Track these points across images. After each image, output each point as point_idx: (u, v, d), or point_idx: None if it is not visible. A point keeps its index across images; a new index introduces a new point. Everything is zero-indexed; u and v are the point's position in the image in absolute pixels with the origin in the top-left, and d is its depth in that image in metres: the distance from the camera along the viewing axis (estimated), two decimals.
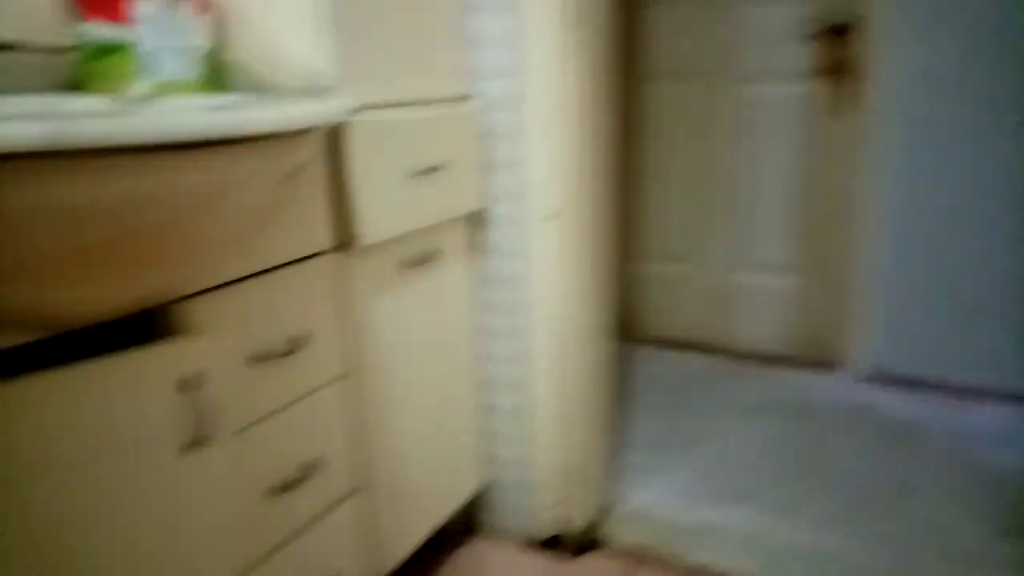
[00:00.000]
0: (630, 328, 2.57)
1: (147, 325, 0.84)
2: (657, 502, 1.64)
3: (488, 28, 1.28)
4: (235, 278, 0.90)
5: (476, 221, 1.38)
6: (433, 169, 1.18)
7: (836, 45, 2.07)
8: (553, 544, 1.51)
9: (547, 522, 1.49)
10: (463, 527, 1.58)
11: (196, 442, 0.82)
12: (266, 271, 0.94)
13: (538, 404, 1.43)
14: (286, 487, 1.00)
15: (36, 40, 0.99)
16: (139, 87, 0.89)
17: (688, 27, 2.29)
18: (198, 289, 0.85)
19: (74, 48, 1.02)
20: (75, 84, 1.02)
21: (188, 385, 0.80)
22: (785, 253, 2.31)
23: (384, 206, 1.08)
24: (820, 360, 2.33)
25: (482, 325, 1.44)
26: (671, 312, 2.52)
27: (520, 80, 1.28)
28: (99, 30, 0.89)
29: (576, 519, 1.49)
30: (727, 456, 1.83)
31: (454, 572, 1.46)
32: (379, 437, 1.18)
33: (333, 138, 1.00)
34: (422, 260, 1.24)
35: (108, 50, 0.89)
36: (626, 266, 2.55)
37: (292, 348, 0.98)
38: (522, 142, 1.30)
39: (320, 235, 1.01)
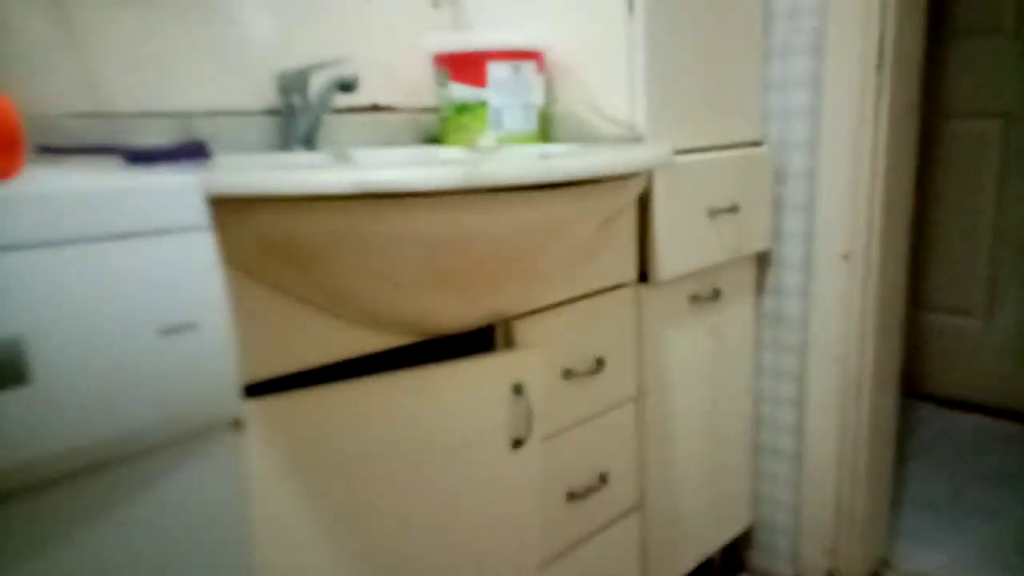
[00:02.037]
0: (914, 382, 2.42)
1: (483, 337, 0.99)
2: (938, 568, 1.54)
3: (787, 73, 1.33)
4: (556, 302, 1.03)
5: (763, 260, 1.42)
6: (726, 210, 1.25)
7: None
8: None
9: (817, 570, 1.47)
10: (729, 564, 1.60)
11: (519, 442, 0.95)
12: (580, 298, 1.06)
13: (814, 449, 1.42)
14: (580, 494, 1.11)
15: (406, 103, 1.21)
16: (487, 138, 1.06)
17: (997, 60, 2.15)
18: (528, 310, 0.99)
19: (433, 108, 1.23)
20: (431, 137, 1.23)
21: (518, 390, 0.94)
22: None
23: (680, 244, 1.17)
24: None
25: (762, 364, 1.46)
26: (960, 368, 2.34)
27: (817, 122, 1.31)
28: (461, 91, 1.07)
29: (848, 572, 1.45)
30: (1022, 529, 1.67)
31: None
32: (658, 461, 1.25)
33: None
34: (710, 296, 1.30)
35: (466, 108, 1.08)
36: (913, 315, 2.41)
37: (596, 368, 1.10)
38: (815, 183, 1.33)
39: (626, 269, 1.12)
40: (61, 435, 0.40)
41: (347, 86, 0.96)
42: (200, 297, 0.45)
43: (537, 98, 1.11)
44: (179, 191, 0.46)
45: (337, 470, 0.79)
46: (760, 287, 1.43)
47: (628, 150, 0.89)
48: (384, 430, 0.82)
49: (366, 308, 0.77)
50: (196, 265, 0.45)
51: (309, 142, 1.02)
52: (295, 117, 1.02)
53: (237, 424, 0.48)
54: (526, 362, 0.94)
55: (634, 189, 0.96)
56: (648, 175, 1.10)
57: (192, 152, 0.84)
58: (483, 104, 1.07)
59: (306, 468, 0.77)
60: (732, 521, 1.46)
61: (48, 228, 0.41)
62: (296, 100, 1.02)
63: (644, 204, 1.12)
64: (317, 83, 1.03)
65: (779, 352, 1.43)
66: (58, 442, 0.40)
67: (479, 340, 0.98)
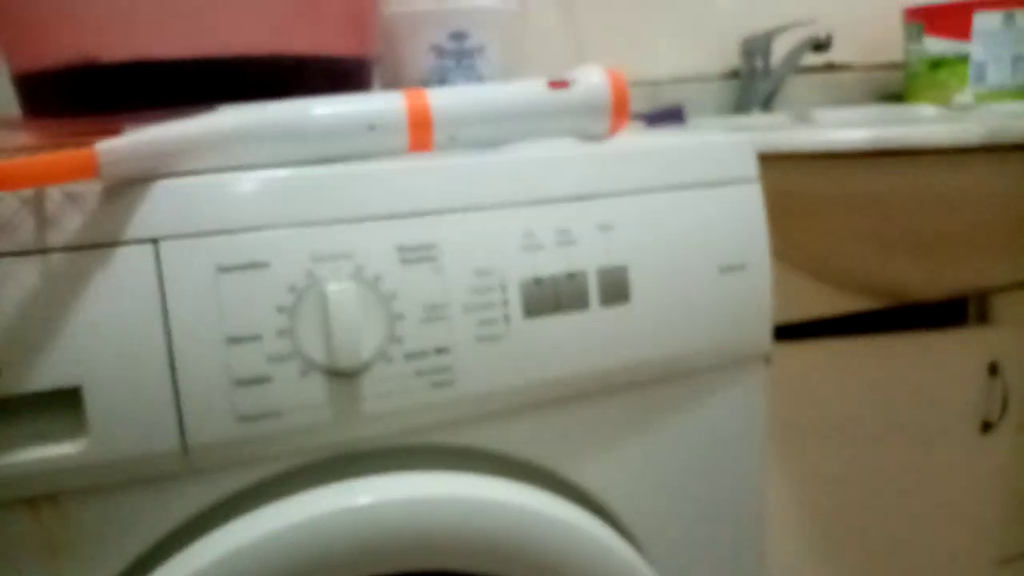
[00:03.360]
0: None
1: (951, 311, 0.93)
2: None
3: None
4: None
5: None
6: None
7: None
8: None
9: None
10: None
11: (988, 426, 0.88)
12: None
13: None
14: None
15: (862, 61, 1.16)
16: (966, 96, 0.98)
17: None
18: (1006, 284, 0.90)
19: (891, 65, 1.16)
20: (887, 95, 1.17)
21: (993, 371, 0.86)
22: None
23: None
24: None
25: None
26: None
27: None
28: (937, 45, 1.00)
29: None
30: None
31: None
32: None
33: None
34: None
35: (942, 63, 1.00)
36: None
37: None
38: None
39: None
40: (648, 347, 0.47)
41: (821, 46, 0.96)
42: (749, 242, 0.50)
43: None
44: (736, 148, 0.51)
45: (797, 427, 0.81)
46: None
47: None
48: (848, 396, 0.82)
49: (843, 268, 0.77)
50: (748, 213, 0.50)
51: (767, 104, 1.04)
52: (756, 80, 1.04)
53: (767, 360, 0.52)
54: (1005, 340, 0.86)
55: None
56: None
57: (673, 116, 0.91)
58: (964, 58, 0.98)
59: (774, 422, 0.80)
60: None
61: (644, 177, 0.48)
62: (759, 63, 1.04)
63: None
64: (781, 45, 1.04)
65: None
66: (646, 352, 0.47)
67: (947, 313, 0.91)
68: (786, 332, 0.79)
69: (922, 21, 1.02)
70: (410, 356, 0.43)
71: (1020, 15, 0.96)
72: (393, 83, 0.76)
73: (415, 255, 0.43)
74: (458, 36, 0.73)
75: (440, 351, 0.44)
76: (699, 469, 0.52)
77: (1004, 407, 0.87)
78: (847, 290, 0.81)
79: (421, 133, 0.46)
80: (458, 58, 0.73)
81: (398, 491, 0.46)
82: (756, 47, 1.02)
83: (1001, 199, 0.71)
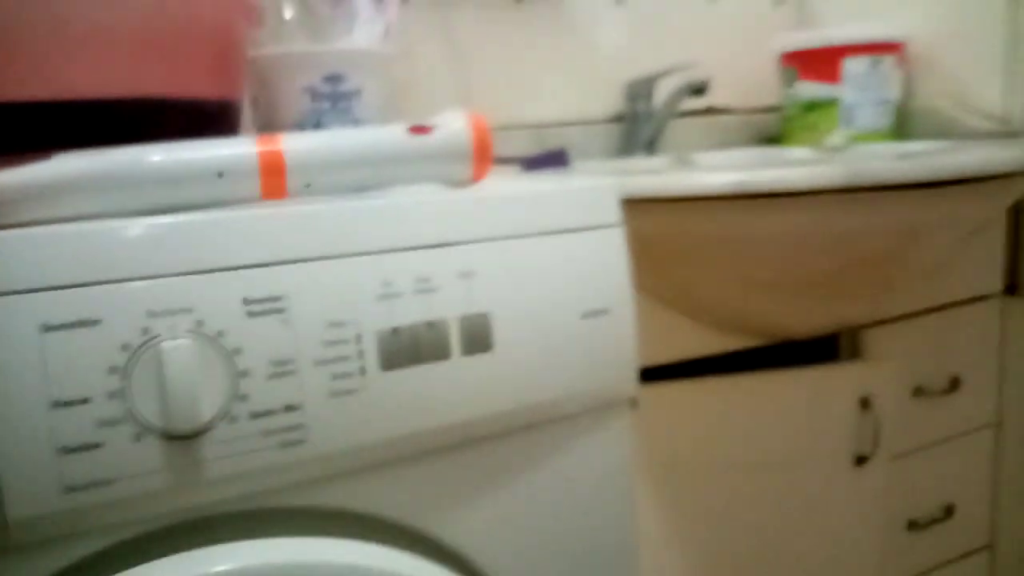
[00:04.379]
0: None
1: (825, 347, 0.96)
2: None
3: None
4: (908, 313, 0.97)
5: None
6: None
7: None
8: None
9: None
10: None
11: (862, 459, 0.90)
12: (935, 309, 0.98)
13: None
14: (922, 524, 1.02)
15: (741, 104, 1.21)
16: (836, 137, 1.03)
17: None
18: (877, 319, 0.94)
19: (769, 108, 1.21)
20: (765, 138, 1.22)
21: (865, 405, 0.89)
22: None
23: None
24: None
25: None
26: None
27: None
28: (810, 89, 1.05)
29: None
30: None
31: None
32: (1010, 496, 1.12)
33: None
34: None
35: (815, 106, 1.05)
36: None
37: (950, 387, 1.01)
38: None
39: (991, 280, 1.02)
40: (512, 395, 0.46)
41: (699, 90, 0.99)
42: (612, 286, 0.50)
43: (894, 93, 1.05)
44: (598, 193, 0.51)
45: (675, 467, 0.82)
46: None
47: (1013, 146, 0.81)
48: (724, 434, 0.83)
49: (718, 308, 0.79)
50: (610, 258, 0.50)
51: (650, 147, 1.07)
52: (639, 123, 1.07)
53: (633, 403, 0.52)
54: (876, 374, 0.89)
55: (1016, 192, 0.87)
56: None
57: (556, 159, 0.92)
58: (834, 101, 1.04)
59: (646, 461, 0.81)
60: None
61: (506, 223, 0.48)
62: (641, 106, 1.06)
63: (1017, 210, 1.01)
64: (663, 89, 1.07)
65: None
66: (509, 401, 0.46)
67: (820, 349, 0.94)
68: (662, 372, 0.80)
69: (795, 66, 1.07)
70: (256, 415, 0.41)
71: (886, 60, 1.02)
72: (267, 126, 0.74)
73: (261, 308, 0.41)
74: (333, 79, 0.72)
75: (289, 408, 0.42)
76: (568, 516, 0.51)
77: (876, 440, 0.90)
78: (723, 329, 0.82)
79: (274, 180, 0.45)
80: (334, 100, 0.72)
81: (257, 557, 0.43)
82: (639, 91, 1.05)
83: (863, 238, 0.74)
